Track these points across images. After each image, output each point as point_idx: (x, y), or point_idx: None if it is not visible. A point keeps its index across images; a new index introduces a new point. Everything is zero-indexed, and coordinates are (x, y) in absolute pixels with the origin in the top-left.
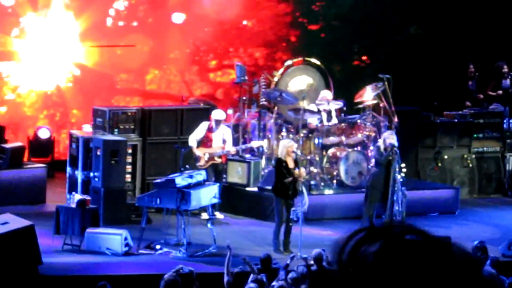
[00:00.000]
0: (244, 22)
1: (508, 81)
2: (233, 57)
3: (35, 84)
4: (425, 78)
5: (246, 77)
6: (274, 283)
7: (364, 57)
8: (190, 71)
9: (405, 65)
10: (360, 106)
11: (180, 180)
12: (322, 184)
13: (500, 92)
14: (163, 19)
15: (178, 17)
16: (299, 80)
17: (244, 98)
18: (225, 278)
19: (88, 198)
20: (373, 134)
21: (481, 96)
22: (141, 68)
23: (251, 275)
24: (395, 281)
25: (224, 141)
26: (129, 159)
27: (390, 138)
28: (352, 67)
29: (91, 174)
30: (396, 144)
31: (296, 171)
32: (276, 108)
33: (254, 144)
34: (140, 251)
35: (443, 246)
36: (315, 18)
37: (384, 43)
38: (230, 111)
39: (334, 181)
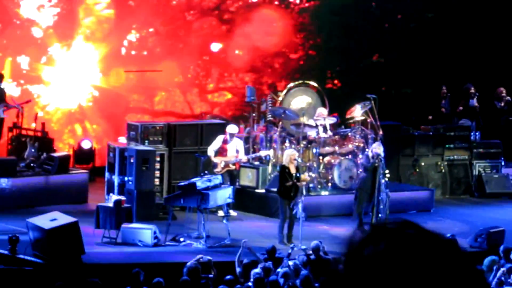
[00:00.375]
0: (236, 52)
1: (474, 101)
2: (227, 81)
3: (60, 103)
4: (404, 98)
5: (255, 97)
6: (279, 269)
7: (335, 81)
8: (191, 93)
9: (371, 88)
10: (351, 121)
11: (200, 183)
12: (319, 186)
13: (461, 108)
14: (169, 49)
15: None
16: (299, 100)
17: (254, 114)
18: (237, 270)
19: (123, 198)
20: (362, 145)
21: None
22: (150, 90)
23: (259, 264)
24: (402, 270)
25: (237, 151)
26: (157, 165)
27: (377, 148)
28: (325, 89)
29: (126, 178)
30: (382, 153)
31: (302, 176)
32: (280, 123)
33: (262, 153)
34: (167, 243)
35: (436, 237)
36: (295, 49)
37: (353, 69)
38: (242, 126)
39: (329, 184)
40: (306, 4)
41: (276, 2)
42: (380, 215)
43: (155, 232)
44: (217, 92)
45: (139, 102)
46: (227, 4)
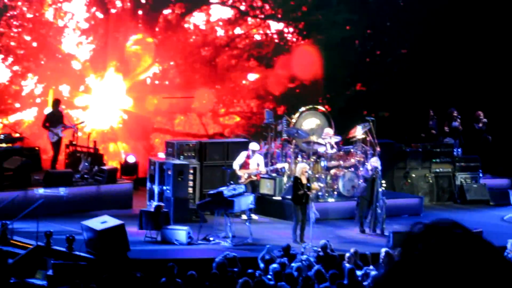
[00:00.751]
0: (244, 82)
1: (456, 122)
2: (236, 106)
3: (95, 125)
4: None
5: (273, 119)
6: (293, 264)
7: (326, 106)
8: (206, 116)
9: (354, 112)
10: (353, 139)
11: (227, 192)
12: (327, 194)
13: (446, 128)
14: (188, 80)
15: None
16: (310, 121)
17: (272, 134)
18: (261, 265)
19: (162, 204)
20: (362, 159)
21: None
22: (171, 114)
23: (277, 259)
24: (449, 264)
25: (258, 165)
26: (190, 177)
27: (375, 162)
28: None
29: (164, 187)
30: (379, 166)
31: (313, 185)
32: (294, 141)
33: (279, 166)
34: (199, 242)
35: (479, 238)
36: (292, 80)
37: (341, 96)
38: (261, 143)
39: (335, 192)
40: (302, 42)
41: (276, 40)
42: (378, 218)
43: (189, 233)
44: (228, 116)
45: (161, 124)
46: (236, 42)
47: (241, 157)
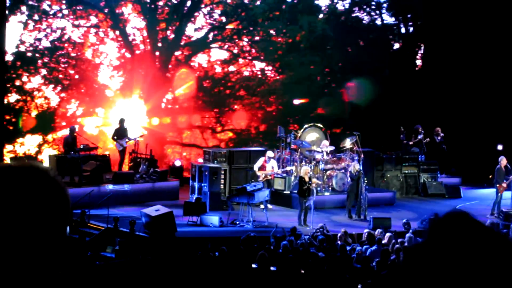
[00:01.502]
0: (236, 106)
1: (421, 136)
2: (229, 125)
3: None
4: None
5: (284, 134)
6: (298, 241)
7: (295, 125)
8: (207, 132)
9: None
10: (343, 148)
11: (249, 187)
12: (323, 189)
13: (411, 142)
14: (193, 105)
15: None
16: (311, 135)
17: (283, 144)
18: (271, 240)
19: (201, 197)
20: (350, 163)
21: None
22: (180, 130)
23: (285, 237)
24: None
25: (272, 167)
26: (222, 176)
27: (357, 165)
28: (288, 130)
29: (202, 184)
30: (360, 168)
31: (313, 180)
32: (299, 149)
33: (288, 168)
34: (228, 225)
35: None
36: (270, 104)
37: (307, 117)
38: (275, 151)
39: (330, 188)
40: (278, 77)
41: (260, 76)
42: (362, 207)
43: (220, 218)
44: (223, 133)
45: (172, 137)
46: (230, 76)
47: (260, 162)
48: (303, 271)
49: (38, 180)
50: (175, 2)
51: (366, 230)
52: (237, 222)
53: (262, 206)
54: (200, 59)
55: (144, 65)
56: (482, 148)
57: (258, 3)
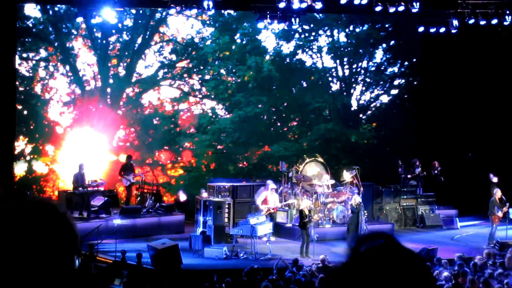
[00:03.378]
0: (186, 144)
1: (418, 169)
2: (180, 162)
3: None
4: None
5: (286, 169)
6: (300, 272)
7: (244, 162)
8: (157, 169)
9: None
10: (343, 182)
11: (252, 220)
12: (324, 222)
13: (409, 176)
14: (143, 142)
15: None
16: (312, 169)
17: (285, 178)
18: (274, 271)
19: (205, 230)
20: (350, 196)
21: (409, 176)
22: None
23: (288, 269)
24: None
25: (274, 201)
26: (226, 210)
27: (358, 198)
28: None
29: (207, 218)
30: (361, 201)
31: (315, 217)
32: (300, 183)
33: (289, 202)
34: (232, 257)
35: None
36: (221, 142)
37: (254, 153)
38: (278, 185)
39: (331, 220)
40: (228, 115)
41: (210, 114)
42: None
43: (225, 250)
44: (174, 169)
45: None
46: (180, 114)
47: (262, 196)
48: None
49: (48, 216)
50: (126, 38)
51: None
52: (241, 255)
53: (265, 238)
54: (151, 96)
55: (94, 102)
56: (478, 180)
57: (208, 43)
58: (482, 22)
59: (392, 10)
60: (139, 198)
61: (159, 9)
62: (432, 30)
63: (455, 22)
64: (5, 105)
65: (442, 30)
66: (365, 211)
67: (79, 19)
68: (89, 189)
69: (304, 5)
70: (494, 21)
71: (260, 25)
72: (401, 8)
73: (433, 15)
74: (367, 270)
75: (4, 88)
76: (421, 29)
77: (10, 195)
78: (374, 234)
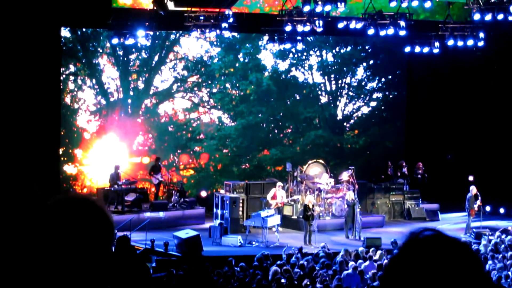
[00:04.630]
0: (196, 148)
1: (405, 169)
2: (191, 163)
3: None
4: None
5: (292, 169)
6: (305, 258)
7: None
8: (172, 170)
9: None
10: (341, 180)
11: (263, 214)
12: (325, 214)
13: (398, 173)
14: (160, 147)
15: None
16: (314, 169)
17: (291, 177)
18: (283, 256)
19: (223, 222)
20: (347, 192)
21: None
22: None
23: (294, 255)
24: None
25: (282, 197)
26: (240, 204)
27: (352, 194)
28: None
29: (224, 211)
30: (356, 197)
31: (316, 208)
32: (304, 182)
33: (295, 197)
34: (246, 245)
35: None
36: (226, 146)
37: (255, 157)
38: (284, 183)
39: (330, 213)
40: (232, 123)
41: (217, 122)
42: (356, 229)
43: (239, 239)
44: (186, 170)
45: (144, 175)
46: (191, 122)
47: (271, 192)
48: (308, 283)
49: (89, 209)
50: (145, 56)
51: (360, 248)
52: (254, 243)
53: (274, 229)
54: (166, 106)
55: (117, 111)
56: (457, 178)
57: (215, 61)
58: (460, 43)
59: (382, 33)
60: (166, 194)
61: (174, 31)
62: (417, 50)
63: (437, 44)
64: (52, 114)
65: (426, 50)
66: (360, 206)
67: (115, 41)
68: (123, 186)
69: (307, 29)
70: (470, 42)
71: (269, 46)
72: (390, 31)
73: (418, 37)
74: (427, 254)
75: (52, 100)
76: (407, 49)
77: (55, 192)
78: (427, 228)
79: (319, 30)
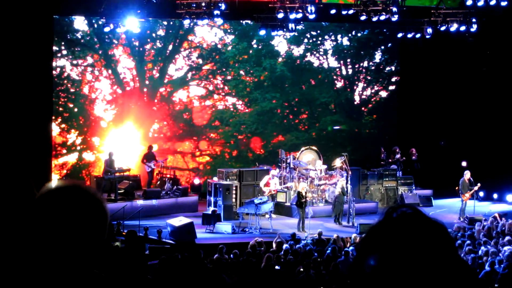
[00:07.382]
0: (211, 135)
1: (398, 155)
2: (206, 150)
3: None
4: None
5: (285, 156)
6: (298, 245)
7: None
8: (187, 156)
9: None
10: (334, 167)
11: (256, 201)
12: (318, 201)
13: (390, 160)
14: (175, 134)
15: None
16: (307, 156)
17: (284, 164)
18: (274, 245)
19: (216, 209)
20: (340, 179)
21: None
22: (164, 155)
23: (284, 244)
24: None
25: (275, 184)
26: (233, 191)
27: (342, 181)
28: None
29: (217, 198)
30: (345, 184)
31: (309, 195)
32: (297, 168)
33: (288, 185)
34: (239, 232)
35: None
36: (241, 132)
37: (270, 143)
38: (278, 170)
39: (323, 200)
40: (247, 110)
41: (231, 109)
42: (350, 215)
43: (233, 226)
44: (201, 156)
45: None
46: (206, 109)
47: (265, 179)
48: (301, 269)
49: (82, 196)
50: (160, 46)
51: (354, 235)
52: (246, 230)
53: (267, 216)
54: (181, 94)
55: (133, 100)
56: (450, 164)
57: (229, 48)
58: (452, 29)
59: (375, 19)
60: (159, 182)
61: (184, 21)
62: (409, 36)
63: (429, 30)
64: (43, 103)
65: (418, 36)
66: (350, 193)
67: (107, 29)
68: (116, 174)
69: (299, 16)
70: (463, 28)
71: (262, 32)
72: (382, 17)
73: (410, 23)
74: (399, 231)
75: (43, 89)
76: (399, 35)
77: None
78: (404, 205)
79: (312, 17)
